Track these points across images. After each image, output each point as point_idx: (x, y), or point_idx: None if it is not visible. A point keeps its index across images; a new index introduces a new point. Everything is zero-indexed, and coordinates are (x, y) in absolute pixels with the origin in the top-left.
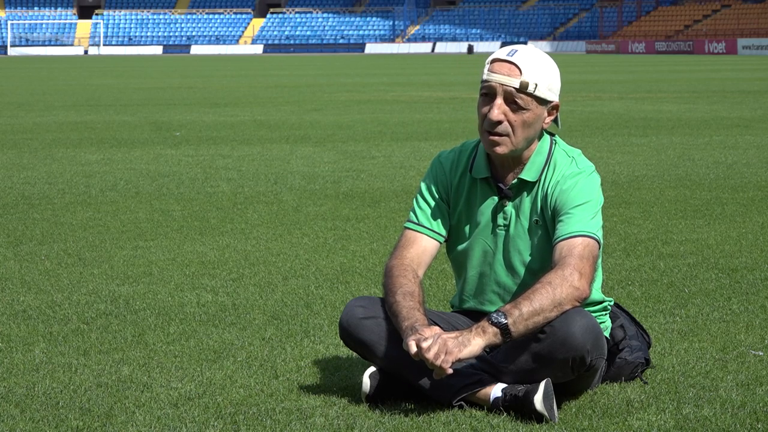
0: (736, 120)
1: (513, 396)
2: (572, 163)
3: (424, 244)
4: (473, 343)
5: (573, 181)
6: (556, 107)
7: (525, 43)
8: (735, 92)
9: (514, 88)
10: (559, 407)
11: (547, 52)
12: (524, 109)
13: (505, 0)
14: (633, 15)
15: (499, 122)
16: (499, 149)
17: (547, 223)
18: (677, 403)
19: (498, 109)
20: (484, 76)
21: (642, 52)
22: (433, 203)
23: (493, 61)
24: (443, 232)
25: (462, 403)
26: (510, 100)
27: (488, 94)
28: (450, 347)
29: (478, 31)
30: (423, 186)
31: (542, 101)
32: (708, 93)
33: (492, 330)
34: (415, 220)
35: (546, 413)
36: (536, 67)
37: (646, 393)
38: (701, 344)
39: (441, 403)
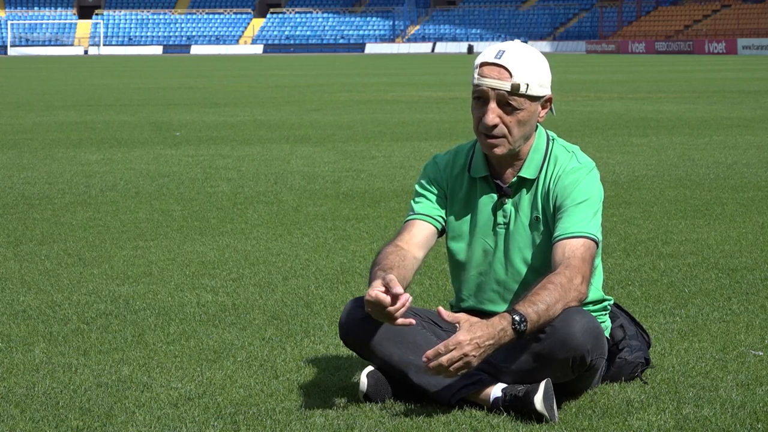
0: (736, 120)
1: (513, 396)
2: (573, 158)
3: (421, 228)
4: (497, 347)
5: (575, 176)
6: (549, 100)
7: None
8: (735, 92)
9: (506, 91)
10: (559, 407)
11: (547, 52)
12: (518, 109)
13: (505, 0)
14: (633, 15)
15: (495, 125)
16: (498, 150)
17: (548, 218)
18: (677, 403)
19: (492, 113)
20: (475, 81)
21: (642, 52)
22: (429, 195)
23: (482, 65)
24: (441, 220)
25: (462, 403)
26: (503, 103)
27: (480, 98)
28: (484, 350)
29: (478, 31)
30: (418, 186)
31: (535, 98)
32: (708, 93)
33: (512, 335)
34: (416, 210)
35: (546, 413)
36: (525, 66)
37: (646, 393)
38: (701, 344)
39: (441, 403)
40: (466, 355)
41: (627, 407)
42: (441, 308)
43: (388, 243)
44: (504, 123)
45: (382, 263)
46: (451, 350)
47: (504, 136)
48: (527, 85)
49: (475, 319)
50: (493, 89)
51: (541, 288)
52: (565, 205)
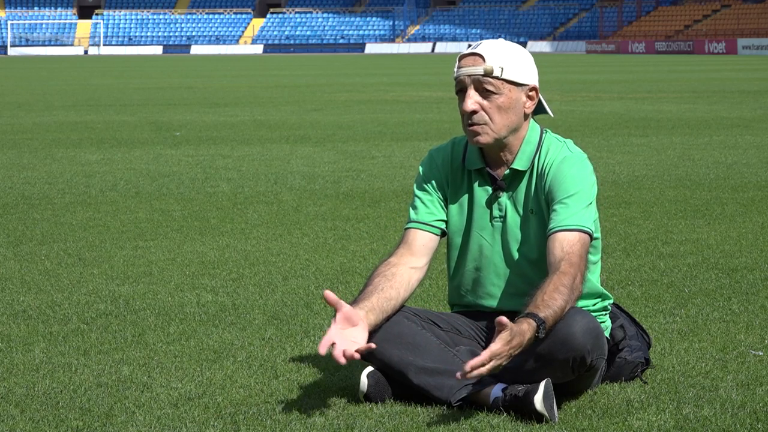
0: (736, 120)
1: (513, 396)
2: (564, 147)
3: (418, 237)
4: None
5: (566, 165)
6: (534, 89)
7: (525, 42)
8: (735, 92)
9: (479, 75)
10: (559, 407)
11: (547, 52)
12: (496, 93)
13: (505, 0)
14: (633, 15)
15: (474, 112)
16: (481, 138)
17: (542, 208)
18: (677, 403)
19: (470, 99)
20: (454, 75)
21: (642, 52)
22: (426, 198)
23: (459, 58)
24: (440, 224)
25: (462, 403)
26: (480, 89)
27: (461, 89)
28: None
29: (478, 31)
30: (416, 186)
31: (514, 84)
32: (708, 93)
33: (533, 340)
34: (413, 218)
35: (546, 413)
36: (499, 52)
37: (646, 393)
38: (701, 344)
39: (441, 403)
40: (501, 364)
41: (627, 407)
42: (503, 317)
43: (384, 260)
44: (484, 109)
45: (365, 290)
46: (491, 361)
47: (485, 123)
48: (501, 68)
49: (516, 328)
50: (469, 76)
51: (553, 290)
52: (558, 196)
